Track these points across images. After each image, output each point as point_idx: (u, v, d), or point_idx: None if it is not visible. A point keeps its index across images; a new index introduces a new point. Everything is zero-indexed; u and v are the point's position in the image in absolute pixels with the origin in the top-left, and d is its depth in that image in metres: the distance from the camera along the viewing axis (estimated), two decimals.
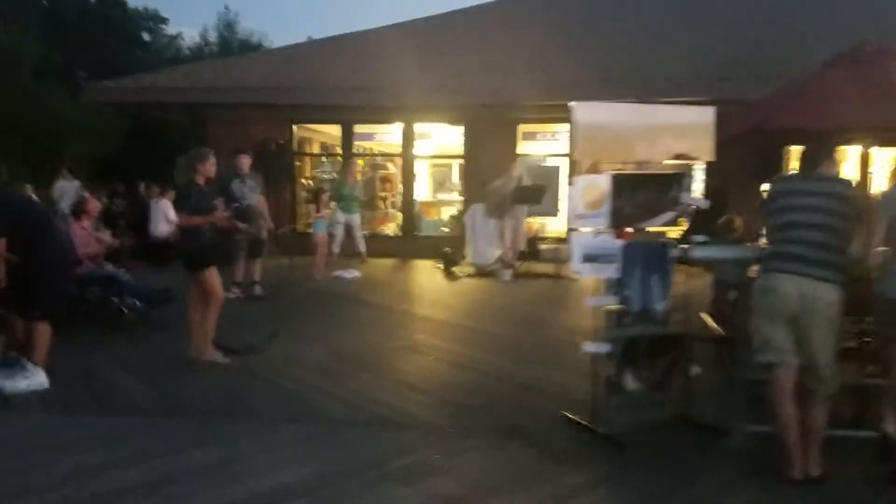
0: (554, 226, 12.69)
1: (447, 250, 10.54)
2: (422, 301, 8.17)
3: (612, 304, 4.09)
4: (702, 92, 9.27)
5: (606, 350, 4.06)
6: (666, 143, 4.17)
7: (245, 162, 7.97)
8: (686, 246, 4.13)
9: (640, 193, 4.09)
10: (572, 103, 4.08)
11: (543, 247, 11.29)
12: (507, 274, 9.73)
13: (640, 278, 4.07)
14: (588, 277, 4.23)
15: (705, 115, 4.27)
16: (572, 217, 4.13)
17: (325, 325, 6.72)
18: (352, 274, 9.81)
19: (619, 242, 4.06)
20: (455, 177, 14.15)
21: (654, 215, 4.13)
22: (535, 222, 11.54)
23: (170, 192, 9.37)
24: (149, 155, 18.13)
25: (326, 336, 6.24)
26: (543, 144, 13.51)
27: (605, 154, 4.21)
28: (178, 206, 5.51)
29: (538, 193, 9.89)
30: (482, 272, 10.12)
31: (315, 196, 9.87)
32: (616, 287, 4.07)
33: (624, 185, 4.06)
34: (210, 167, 5.34)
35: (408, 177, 12.71)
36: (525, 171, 10.49)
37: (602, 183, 4.06)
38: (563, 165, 11.84)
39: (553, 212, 11.51)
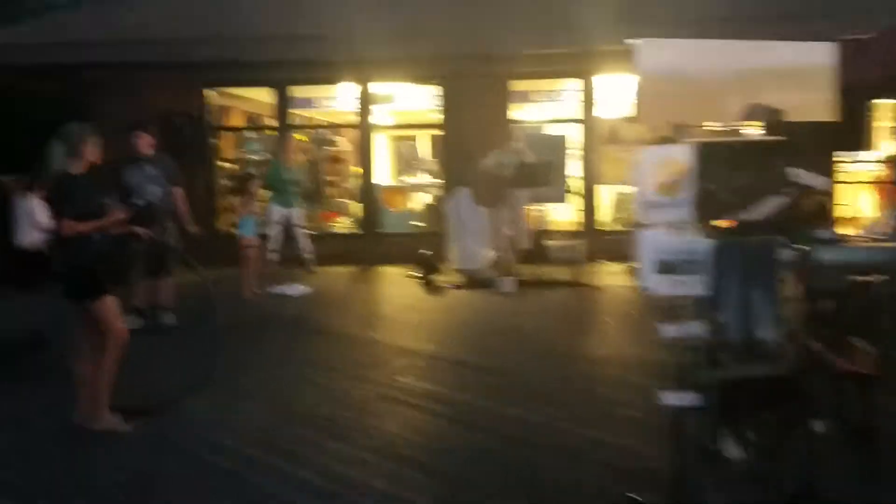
0: (561, 215, 12.50)
1: (424, 253, 10.19)
2: (396, 325, 7.79)
3: (698, 332, 3.59)
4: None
5: (694, 402, 3.56)
6: (768, 96, 3.69)
7: (144, 142, 7.43)
8: (803, 247, 3.64)
9: (738, 170, 3.59)
10: (635, 41, 3.56)
11: (552, 244, 10.97)
12: (508, 283, 9.36)
13: (739, 294, 3.58)
14: (655, 291, 3.73)
15: (822, 55, 3.79)
16: (639, 206, 3.65)
17: (265, 367, 6.28)
18: (296, 290, 9.46)
19: (709, 243, 3.58)
20: (429, 153, 13.87)
21: (756, 200, 3.64)
22: (537, 211, 11.09)
23: (40, 187, 8.67)
24: (8, 137, 17.29)
25: (269, 384, 5.77)
26: (543, 107, 13.27)
27: (683, 113, 3.72)
28: (52, 206, 4.95)
29: (544, 173, 9.56)
30: (473, 281, 9.86)
31: (241, 185, 9.56)
32: (704, 307, 3.58)
33: (714, 159, 3.56)
34: (94, 150, 4.89)
35: (365, 155, 12.42)
36: (524, 144, 10.18)
37: (682, 156, 3.55)
38: (571, 133, 11.75)
39: (559, 196, 11.18)
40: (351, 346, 6.97)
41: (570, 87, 12.38)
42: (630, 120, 11.64)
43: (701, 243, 3.58)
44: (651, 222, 3.69)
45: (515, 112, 12.16)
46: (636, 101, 3.75)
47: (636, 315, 7.95)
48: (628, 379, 5.53)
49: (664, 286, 3.64)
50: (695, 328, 3.61)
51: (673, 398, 3.63)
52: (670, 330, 3.70)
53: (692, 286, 3.59)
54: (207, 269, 9.10)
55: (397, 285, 10.19)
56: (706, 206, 3.59)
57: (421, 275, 10.19)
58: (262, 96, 12.92)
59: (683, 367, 3.64)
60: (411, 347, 6.80)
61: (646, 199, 3.68)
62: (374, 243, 12.01)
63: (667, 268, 3.61)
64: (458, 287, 9.70)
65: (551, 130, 12.18)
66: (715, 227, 3.61)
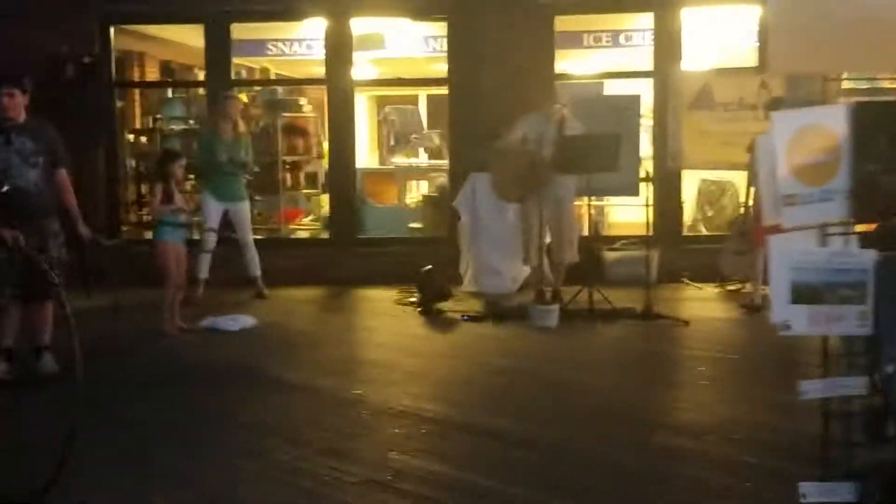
0: (624, 214, 12.47)
1: (425, 270, 10.11)
2: (386, 375, 7.65)
3: (856, 390, 3.54)
4: None
5: (849, 498, 3.49)
6: None
7: (13, 103, 7.29)
8: None
9: None
10: None
11: (611, 256, 10.90)
12: (547, 313, 9.33)
13: None
14: (790, 328, 3.66)
15: None
16: (768, 199, 3.60)
17: (200, 439, 6.09)
18: (240, 322, 9.42)
19: (873, 255, 3.50)
20: (430, 123, 13.84)
21: None
22: (593, 208, 10.98)
23: None
24: None
25: (197, 468, 5.57)
26: (601, 55, 13.23)
27: (830, 59, 3.65)
28: None
29: (605, 152, 9.41)
30: (496, 310, 9.83)
31: (158, 168, 9.35)
32: (865, 353, 3.52)
33: (881, 128, 3.48)
34: None
35: (340, 125, 12.28)
36: (571, 109, 10.22)
37: (833, 123, 3.48)
38: (645, 93, 11.85)
39: (629, 187, 11.12)
40: (322, 406, 6.82)
41: (641, 26, 12.39)
42: (731, 72, 11.59)
43: (861, 256, 3.51)
44: (786, 224, 3.63)
45: (561, 62, 12.23)
46: (765, 42, 3.61)
47: (750, 362, 7.91)
48: (740, 460, 5.39)
49: (804, 320, 3.58)
50: (851, 384, 3.60)
51: (818, 492, 3.55)
52: (813, 387, 3.64)
53: (847, 321, 3.54)
54: (115, 293, 9.24)
55: (386, 315, 10.09)
56: (869, 199, 3.52)
57: (420, 300, 10.13)
58: (190, 37, 13.05)
59: (833, 443, 3.65)
60: (410, 408, 6.66)
61: (778, 190, 3.60)
62: (352, 254, 12.00)
63: (809, 293, 3.53)
64: (475, 318, 9.63)
65: (614, 89, 12.34)
66: (882, 231, 3.54)
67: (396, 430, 6.22)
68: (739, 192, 13.39)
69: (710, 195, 13.66)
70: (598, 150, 9.38)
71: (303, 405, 6.84)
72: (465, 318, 9.63)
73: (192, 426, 6.42)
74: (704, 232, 12.92)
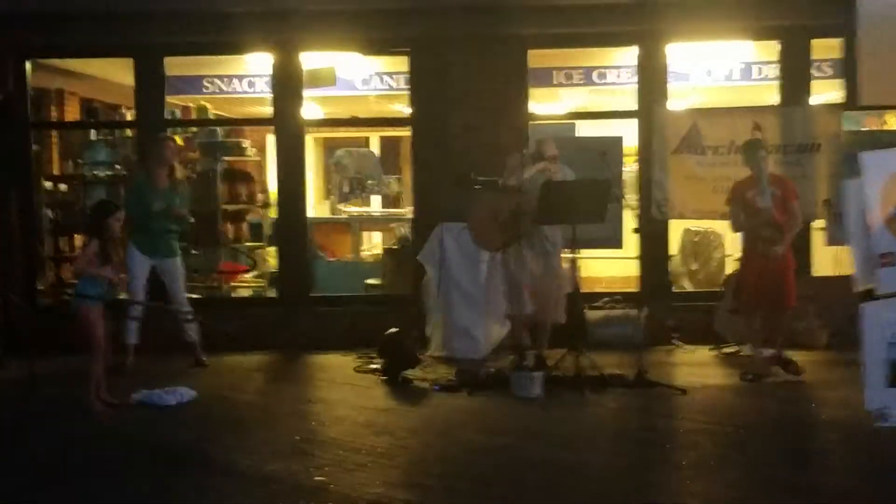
0: (609, 269, 12.37)
1: (390, 333, 9.69)
2: (358, 458, 7.08)
3: None
4: None
5: None
6: None
7: None
8: None
9: None
10: None
11: (595, 315, 10.60)
12: (534, 382, 8.82)
13: None
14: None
15: None
16: (859, 258, 3.20)
17: None
18: (177, 396, 8.87)
19: None
20: (385, 167, 13.58)
21: None
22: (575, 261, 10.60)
23: None
24: None
25: None
26: (580, 93, 12.94)
27: None
28: None
29: (594, 200, 9.14)
30: (472, 378, 9.33)
31: (93, 222, 8.79)
32: None
33: None
34: None
35: (288, 170, 11.83)
36: (551, 151, 9.73)
37: None
38: (628, 135, 11.66)
39: (613, 238, 10.80)
40: (279, 497, 6.29)
41: (623, 62, 12.22)
42: (721, 112, 11.31)
43: None
44: (882, 288, 3.21)
45: (536, 101, 12.01)
46: (849, 74, 3.23)
47: (759, 437, 7.50)
48: None
49: None
50: None
51: None
52: None
53: None
54: (29, 363, 8.76)
55: (346, 385, 9.60)
56: None
57: (384, 367, 9.68)
58: (117, 73, 12.65)
59: None
60: (383, 498, 6.15)
61: (871, 247, 3.19)
62: (303, 314, 11.58)
63: None
64: (448, 388, 9.17)
65: (592, 131, 12.11)
66: None
67: None
68: (725, 244, 13.18)
69: (695, 247, 13.33)
70: (586, 198, 9.10)
71: (256, 496, 6.30)
72: (437, 387, 9.18)
73: None
74: (690, 288, 12.54)
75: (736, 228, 9.40)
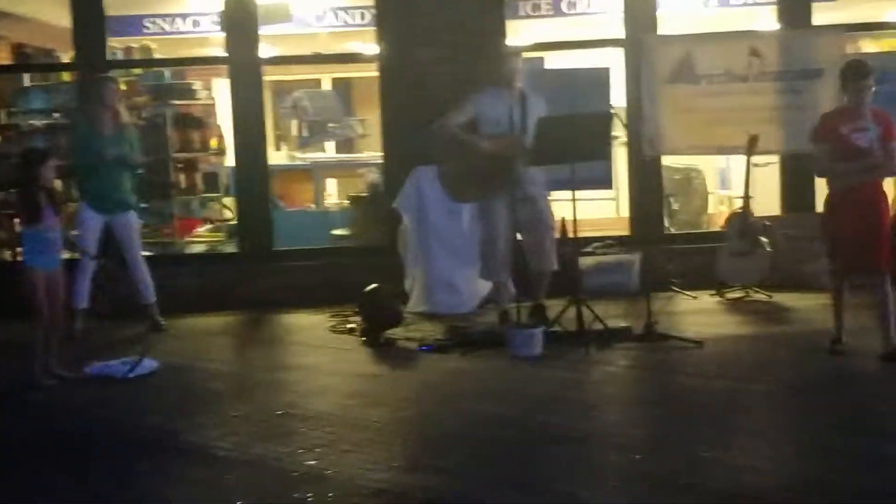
0: (598, 210, 11.60)
1: (370, 289, 8.93)
2: (353, 436, 6.29)
3: None
4: None
5: None
6: None
7: None
8: None
9: None
10: None
11: (588, 262, 9.84)
12: (534, 340, 8.06)
13: None
14: None
15: None
16: None
17: None
18: (138, 366, 8.01)
19: None
20: (354, 106, 13.42)
21: None
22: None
23: None
24: None
25: None
26: (560, 22, 12.76)
27: None
28: None
29: (595, 137, 8.47)
30: (463, 336, 8.64)
31: (22, 173, 8.08)
32: None
33: None
34: None
35: (246, 114, 11.06)
36: (535, 85, 9.38)
37: None
38: (615, 66, 10.99)
39: (604, 179, 10.43)
40: (266, 487, 5.49)
41: None
42: (716, 38, 10.65)
43: None
44: None
45: (515, 32, 11.51)
46: None
47: (802, 395, 6.84)
48: None
49: None
50: None
51: None
52: None
53: None
54: None
55: (323, 349, 8.81)
56: None
57: (364, 327, 8.94)
58: (51, 14, 12.01)
59: None
60: (390, 484, 5.38)
61: None
62: (267, 270, 10.86)
63: None
64: (438, 348, 8.44)
65: (581, 62, 11.56)
66: None
67: None
68: (707, 181, 12.57)
69: (675, 185, 12.62)
70: (588, 134, 8.40)
71: (242, 487, 5.49)
72: (425, 348, 8.47)
73: None
74: (674, 230, 11.92)
75: (821, 172, 7.75)
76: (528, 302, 8.77)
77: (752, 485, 5.13)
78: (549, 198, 9.04)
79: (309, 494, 5.22)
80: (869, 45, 11.78)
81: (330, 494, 5.22)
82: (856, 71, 7.32)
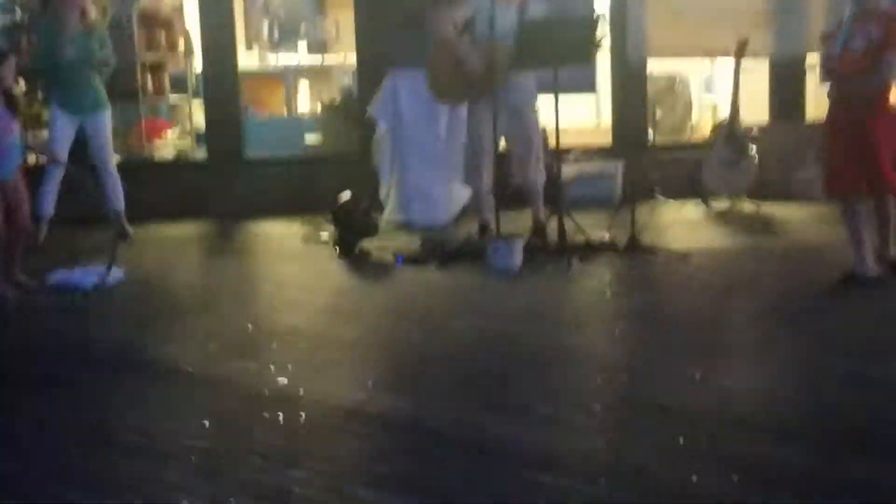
0: (580, 116, 11.19)
1: (344, 198, 8.65)
2: (328, 354, 6.00)
3: None
4: None
5: None
6: None
7: None
8: None
9: None
10: None
11: (568, 172, 9.55)
12: (514, 253, 7.78)
13: None
14: None
15: None
16: None
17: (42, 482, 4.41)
18: (100, 276, 7.68)
19: None
20: (327, 6, 12.82)
21: None
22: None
23: None
24: None
25: None
26: None
27: None
28: None
29: (581, 39, 8.12)
30: (439, 248, 8.31)
31: None
32: None
33: None
34: None
35: (213, 12, 10.82)
36: None
37: None
38: None
39: (587, 83, 10.13)
40: (236, 408, 5.18)
41: None
42: None
43: None
44: None
45: None
46: None
47: (805, 312, 6.53)
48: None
49: None
50: None
51: None
52: None
53: None
54: None
55: (296, 260, 8.51)
56: None
57: (338, 238, 8.62)
58: None
59: None
60: (367, 407, 5.07)
61: None
62: (237, 178, 10.58)
63: None
64: (414, 260, 8.16)
65: None
66: None
67: (355, 448, 4.62)
68: (690, 89, 12.23)
69: (658, 93, 12.23)
70: (572, 37, 8.09)
71: (208, 406, 5.17)
72: (400, 259, 8.18)
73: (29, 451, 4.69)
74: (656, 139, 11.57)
75: (821, 78, 7.27)
76: (508, 212, 8.50)
77: (741, 408, 4.89)
78: (536, 109, 8.73)
79: (279, 414, 4.97)
80: None
81: (301, 415, 4.96)
82: None
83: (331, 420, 4.88)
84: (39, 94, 10.39)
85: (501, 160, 8.63)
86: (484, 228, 8.55)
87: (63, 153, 8.91)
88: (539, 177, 8.50)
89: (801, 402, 4.96)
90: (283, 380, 5.45)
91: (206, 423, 4.89)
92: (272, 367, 5.65)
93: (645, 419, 4.77)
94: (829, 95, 6.84)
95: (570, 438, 4.57)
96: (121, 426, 4.97)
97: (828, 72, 6.81)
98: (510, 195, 8.65)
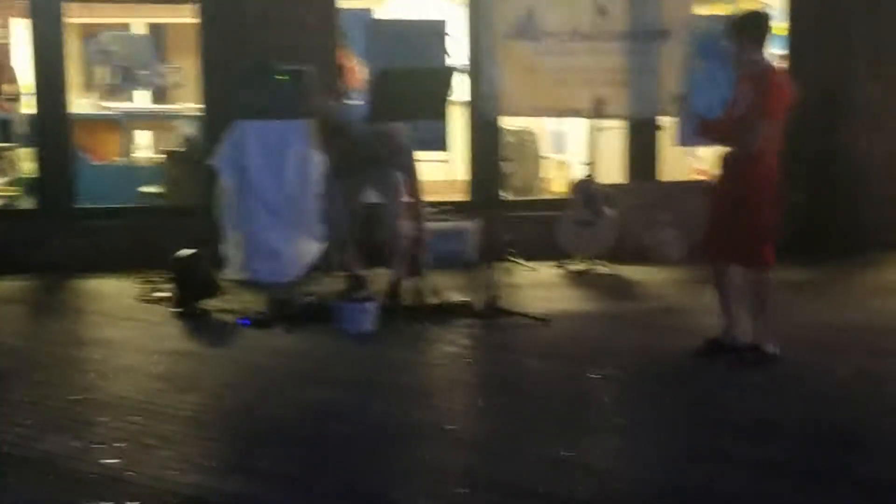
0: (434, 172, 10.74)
1: (187, 254, 8.02)
2: (161, 429, 5.43)
3: None
4: None
5: None
6: None
7: None
8: None
9: None
10: None
11: (433, 226, 9.06)
12: (366, 314, 7.31)
13: None
14: None
15: None
16: None
17: None
18: None
19: None
20: (169, 53, 12.49)
21: None
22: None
23: None
24: None
25: None
26: None
27: None
28: None
29: (435, 93, 7.77)
30: (285, 309, 7.75)
31: None
32: None
33: None
34: None
35: (46, 56, 9.98)
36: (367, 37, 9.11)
37: None
38: (452, 20, 10.31)
39: (437, 141, 9.76)
40: (38, 482, 4.62)
41: None
42: None
43: None
44: None
45: None
46: None
47: (669, 385, 6.25)
48: None
49: None
50: None
51: None
52: None
53: None
54: None
55: (131, 321, 7.84)
56: None
57: (178, 297, 7.98)
58: None
59: None
60: (182, 485, 4.58)
61: None
62: (68, 229, 9.78)
63: None
64: (258, 322, 7.58)
65: (414, 14, 10.79)
66: None
67: None
68: (540, 145, 11.99)
69: (509, 149, 11.95)
70: (425, 90, 7.69)
71: (23, 491, 4.57)
72: (244, 322, 7.61)
73: None
74: (540, 196, 11.32)
75: (678, 140, 7.22)
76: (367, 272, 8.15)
77: (618, 493, 4.54)
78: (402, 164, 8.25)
79: (104, 501, 4.41)
80: (722, 7, 11.22)
81: (129, 502, 4.41)
82: (736, 26, 6.29)
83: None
84: None
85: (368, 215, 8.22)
86: (357, 281, 8.02)
87: None
88: (399, 234, 7.97)
89: (670, 490, 4.62)
90: (110, 460, 4.90)
91: None
92: (99, 445, 5.10)
93: None
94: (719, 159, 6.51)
95: None
96: None
97: (705, 134, 6.54)
98: (373, 251, 8.24)
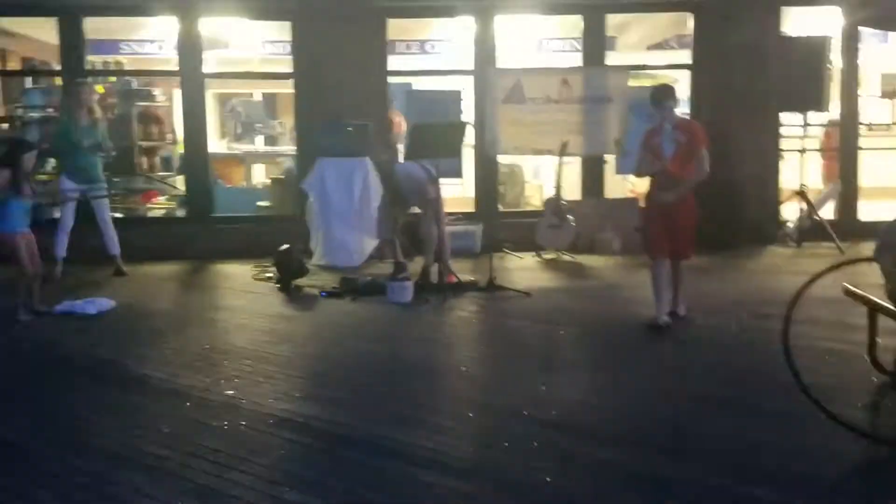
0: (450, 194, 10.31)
1: (283, 248, 7.61)
2: (264, 368, 5.14)
3: None
4: None
5: None
6: None
7: None
8: None
9: None
10: None
11: (451, 228, 8.60)
12: (406, 290, 6.97)
13: None
14: None
15: None
16: None
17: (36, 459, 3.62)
18: (97, 305, 6.67)
19: None
20: (277, 112, 12.10)
21: None
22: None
23: None
24: None
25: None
26: (427, 56, 11.29)
27: None
28: None
29: (453, 139, 7.45)
30: (353, 285, 7.31)
31: (8, 154, 6.48)
32: None
33: None
34: None
35: (192, 113, 9.58)
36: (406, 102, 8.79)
37: None
38: (466, 89, 9.76)
39: (457, 171, 9.05)
40: (190, 416, 4.30)
41: (457, 30, 10.53)
42: (538, 72, 9.64)
43: None
44: None
45: (392, 62, 9.95)
46: None
47: (622, 339, 5.87)
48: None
49: None
50: None
51: None
52: None
53: None
54: None
55: (247, 293, 7.47)
56: None
57: (278, 277, 7.61)
58: (43, 32, 10.22)
59: None
60: (279, 410, 4.30)
61: None
62: (207, 231, 9.36)
63: None
64: (333, 294, 7.20)
65: (440, 85, 10.16)
66: None
67: (283, 453, 3.81)
68: (525, 175, 11.61)
69: (503, 176, 11.58)
70: (447, 138, 7.34)
71: (165, 414, 4.30)
72: (323, 294, 7.23)
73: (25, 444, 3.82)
74: (523, 208, 10.89)
75: (638, 173, 6.25)
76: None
77: (577, 416, 4.23)
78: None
79: (225, 422, 4.15)
80: (646, 81, 10.87)
81: (242, 423, 4.14)
82: (662, 94, 5.84)
83: (264, 427, 4.09)
84: (48, 166, 9.32)
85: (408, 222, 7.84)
86: (399, 266, 7.51)
87: (69, 211, 7.95)
88: (430, 234, 7.40)
89: (621, 413, 4.32)
90: (229, 392, 4.64)
91: (165, 429, 4.07)
92: (222, 381, 4.83)
93: (508, 426, 4.07)
94: (652, 193, 5.96)
95: (447, 442, 3.85)
96: (91, 431, 4.09)
97: (648, 170, 5.99)
98: (412, 245, 7.86)
